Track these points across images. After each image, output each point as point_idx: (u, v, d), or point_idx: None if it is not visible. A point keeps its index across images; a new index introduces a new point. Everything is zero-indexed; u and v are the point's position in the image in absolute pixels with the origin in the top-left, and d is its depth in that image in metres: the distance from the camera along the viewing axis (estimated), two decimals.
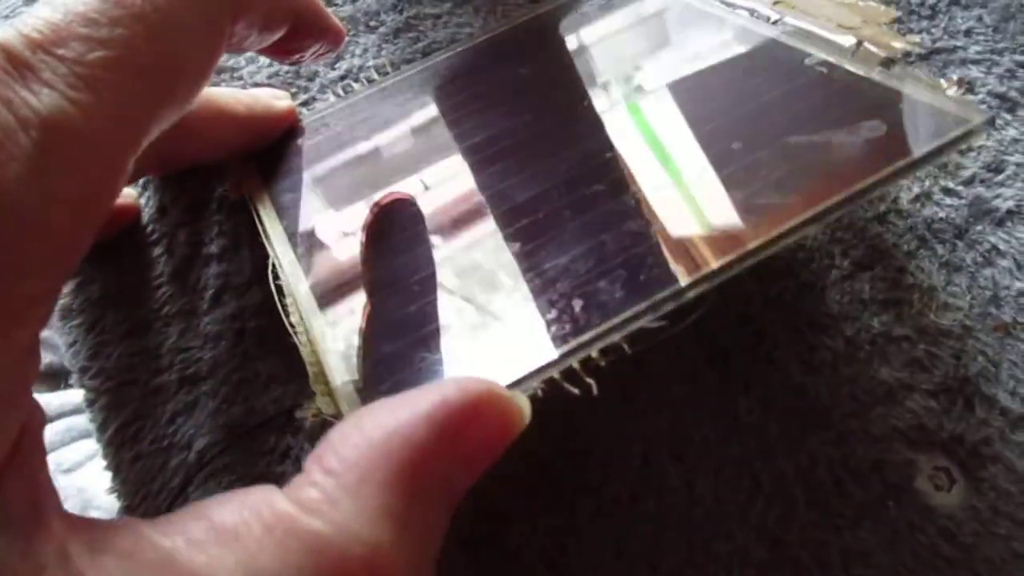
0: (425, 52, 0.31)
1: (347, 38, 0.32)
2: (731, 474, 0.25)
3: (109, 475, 0.26)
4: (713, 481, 0.25)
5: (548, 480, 0.25)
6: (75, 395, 0.65)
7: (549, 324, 0.22)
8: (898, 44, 0.26)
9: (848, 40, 0.26)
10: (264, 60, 0.32)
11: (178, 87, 0.19)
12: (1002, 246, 0.28)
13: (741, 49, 0.29)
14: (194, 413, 0.26)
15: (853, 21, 0.27)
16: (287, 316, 0.25)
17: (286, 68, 0.31)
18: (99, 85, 0.17)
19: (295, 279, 0.26)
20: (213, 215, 0.29)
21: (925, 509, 0.24)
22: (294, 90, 0.31)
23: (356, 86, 0.31)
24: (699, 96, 0.28)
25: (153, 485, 0.25)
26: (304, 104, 0.31)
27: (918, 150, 0.23)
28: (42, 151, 0.16)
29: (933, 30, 0.32)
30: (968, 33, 0.32)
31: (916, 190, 0.29)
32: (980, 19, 0.32)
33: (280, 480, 0.24)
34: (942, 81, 0.25)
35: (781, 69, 0.27)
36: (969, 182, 0.29)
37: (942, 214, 0.29)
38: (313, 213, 0.27)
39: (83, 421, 0.64)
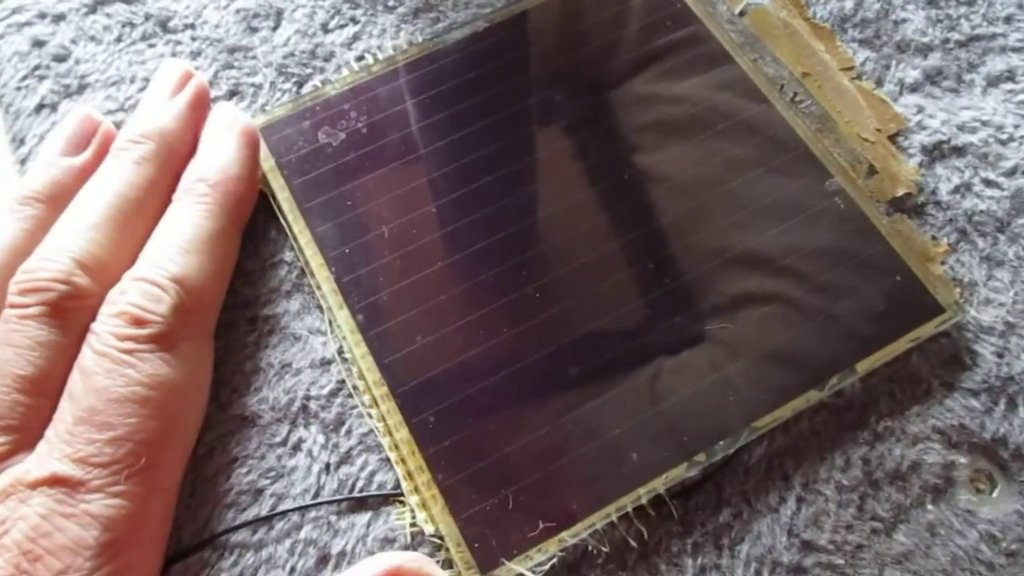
0: (445, 32, 0.30)
1: (365, 18, 0.31)
2: (761, 474, 0.24)
3: None
4: (742, 480, 0.24)
5: None
6: None
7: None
8: (900, 188, 0.27)
9: (864, 159, 0.27)
10: (278, 39, 0.31)
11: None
12: None
13: (764, 138, 0.28)
14: None
15: (868, 129, 0.28)
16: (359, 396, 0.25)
17: (301, 48, 0.30)
18: (139, 477, 0.21)
19: (335, 305, 0.26)
20: None
21: (966, 513, 0.23)
22: (309, 70, 0.30)
23: (369, 58, 0.30)
24: (709, 187, 0.28)
25: None
26: (321, 84, 0.30)
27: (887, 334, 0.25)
28: (104, 547, 0.20)
29: (972, 16, 0.31)
30: (1008, 20, 0.31)
31: (956, 181, 0.28)
32: (1020, 6, 0.31)
33: (292, 474, 0.24)
34: (934, 246, 0.26)
35: (803, 183, 0.27)
36: (1011, 173, 0.28)
37: (983, 206, 0.27)
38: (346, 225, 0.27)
39: None
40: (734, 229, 0.27)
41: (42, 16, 0.31)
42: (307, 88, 0.30)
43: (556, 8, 0.31)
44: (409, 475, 0.23)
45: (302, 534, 0.23)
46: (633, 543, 0.23)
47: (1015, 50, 0.30)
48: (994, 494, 0.24)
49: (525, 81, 0.29)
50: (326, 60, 0.30)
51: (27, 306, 0.22)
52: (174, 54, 0.31)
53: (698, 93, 0.29)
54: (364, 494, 0.24)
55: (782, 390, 0.24)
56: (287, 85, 0.30)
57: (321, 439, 0.24)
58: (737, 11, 0.31)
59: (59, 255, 0.23)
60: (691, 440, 0.24)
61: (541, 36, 0.30)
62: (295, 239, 0.27)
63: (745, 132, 0.28)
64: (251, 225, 0.27)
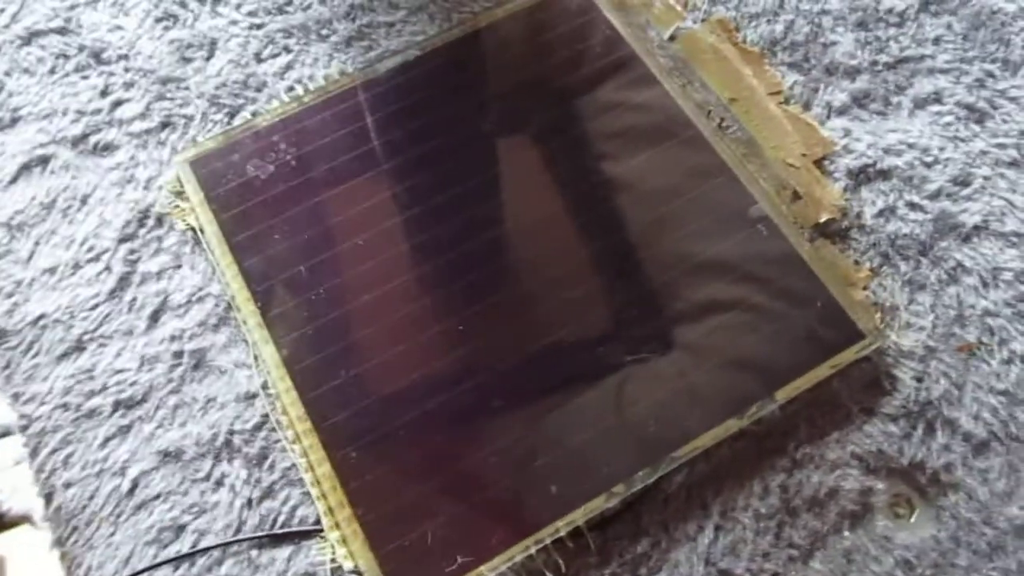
0: (377, 61, 0.30)
1: (298, 47, 0.31)
2: (680, 502, 0.24)
3: (41, 503, 0.25)
4: (661, 509, 0.24)
5: None
6: None
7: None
8: (823, 214, 0.27)
9: (788, 184, 0.27)
10: (212, 70, 0.31)
11: None
12: (968, 263, 0.27)
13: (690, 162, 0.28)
14: (128, 438, 0.25)
15: (794, 154, 0.28)
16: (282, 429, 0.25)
17: (234, 78, 0.30)
18: None
19: (261, 341, 0.26)
20: (152, 230, 0.28)
21: (883, 539, 0.24)
22: (242, 100, 0.30)
23: (300, 89, 0.30)
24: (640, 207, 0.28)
25: (83, 516, 0.24)
26: (252, 115, 0.30)
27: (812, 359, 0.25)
28: None
29: (901, 38, 0.31)
30: (937, 41, 0.31)
31: (880, 204, 0.28)
32: (949, 27, 0.31)
33: (214, 510, 0.24)
34: (856, 271, 0.26)
35: (727, 210, 0.27)
36: (935, 196, 0.28)
37: (906, 229, 0.28)
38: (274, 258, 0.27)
39: None
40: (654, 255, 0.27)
41: None
42: (239, 119, 0.30)
43: (484, 38, 0.31)
44: (330, 510, 0.23)
45: (223, 570, 0.23)
46: (550, 575, 0.23)
47: (943, 71, 0.31)
48: (912, 519, 0.24)
49: (455, 109, 0.30)
50: (258, 90, 0.30)
51: None
52: (107, 85, 0.31)
53: (625, 120, 0.29)
54: (285, 530, 0.24)
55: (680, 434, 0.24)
56: (219, 116, 0.30)
57: (244, 474, 0.24)
58: (667, 36, 0.31)
59: None
60: (610, 471, 0.24)
61: (470, 65, 0.31)
62: (223, 273, 0.27)
63: (671, 165, 0.28)
64: (174, 257, 0.27)
